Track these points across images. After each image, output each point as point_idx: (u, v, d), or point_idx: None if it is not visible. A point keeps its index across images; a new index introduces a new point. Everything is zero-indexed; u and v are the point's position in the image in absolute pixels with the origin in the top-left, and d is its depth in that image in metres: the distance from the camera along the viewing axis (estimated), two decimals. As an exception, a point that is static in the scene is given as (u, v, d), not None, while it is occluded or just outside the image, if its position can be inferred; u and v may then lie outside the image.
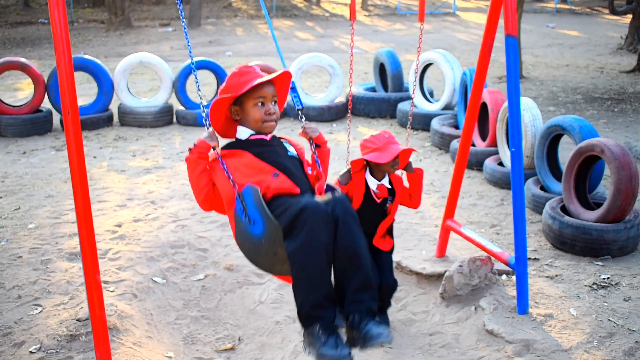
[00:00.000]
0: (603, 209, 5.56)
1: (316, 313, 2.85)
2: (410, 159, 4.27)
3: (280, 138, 3.38)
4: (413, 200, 4.35)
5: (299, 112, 3.59)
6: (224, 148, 3.24)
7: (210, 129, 3.18)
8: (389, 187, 4.25)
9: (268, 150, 3.20)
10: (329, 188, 3.36)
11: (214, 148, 3.13)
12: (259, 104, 3.19)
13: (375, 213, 4.19)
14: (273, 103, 3.25)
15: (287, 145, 3.34)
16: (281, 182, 3.10)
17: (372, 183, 4.20)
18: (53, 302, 4.70)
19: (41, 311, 4.57)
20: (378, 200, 4.20)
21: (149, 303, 4.88)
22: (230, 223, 3.13)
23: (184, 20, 3.43)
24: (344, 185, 4.12)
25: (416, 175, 4.28)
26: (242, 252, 3.14)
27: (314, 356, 2.85)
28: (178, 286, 5.19)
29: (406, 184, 4.40)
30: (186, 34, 3.32)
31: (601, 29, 25.67)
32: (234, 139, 3.30)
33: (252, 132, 3.24)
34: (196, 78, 3.37)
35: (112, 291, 4.90)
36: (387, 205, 4.25)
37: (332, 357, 2.75)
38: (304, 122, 3.47)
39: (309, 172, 3.35)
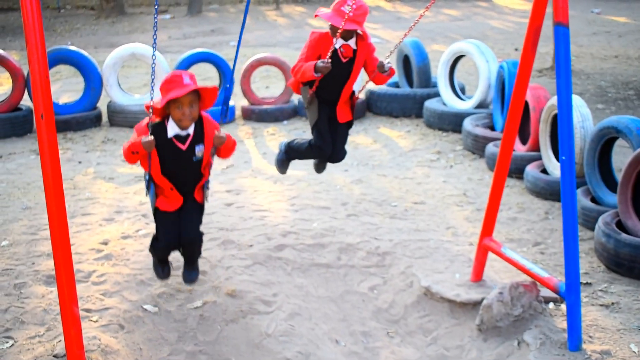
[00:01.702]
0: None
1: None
2: (387, 61, 4.80)
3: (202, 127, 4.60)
4: (377, 80, 4.94)
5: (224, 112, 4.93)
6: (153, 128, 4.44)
7: (151, 138, 4.34)
8: (354, 47, 4.85)
9: (172, 157, 4.53)
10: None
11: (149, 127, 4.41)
12: (178, 107, 4.43)
13: (340, 74, 4.85)
14: (191, 107, 4.43)
15: (197, 150, 4.58)
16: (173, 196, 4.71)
17: (338, 42, 4.76)
18: (27, 334, 4.57)
19: (13, 345, 4.44)
20: (343, 60, 4.84)
21: (138, 335, 4.73)
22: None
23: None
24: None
25: (384, 77, 4.91)
26: None
27: None
28: (172, 315, 5.04)
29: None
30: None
31: (654, 15, 25.42)
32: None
33: (176, 131, 4.49)
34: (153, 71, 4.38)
35: (95, 321, 4.75)
36: (352, 67, 4.88)
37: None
38: (218, 131, 4.60)
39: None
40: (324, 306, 5.32)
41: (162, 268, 5.12)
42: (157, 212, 4.74)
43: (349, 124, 5.21)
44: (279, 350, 4.71)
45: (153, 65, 4.33)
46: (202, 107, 4.54)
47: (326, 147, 5.08)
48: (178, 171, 4.60)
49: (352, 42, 4.87)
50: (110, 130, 10.68)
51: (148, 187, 4.67)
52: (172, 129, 4.48)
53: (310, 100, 5.00)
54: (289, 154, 5.38)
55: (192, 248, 4.91)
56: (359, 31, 4.85)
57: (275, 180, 8.14)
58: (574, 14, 25.61)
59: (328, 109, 5.04)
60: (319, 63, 4.64)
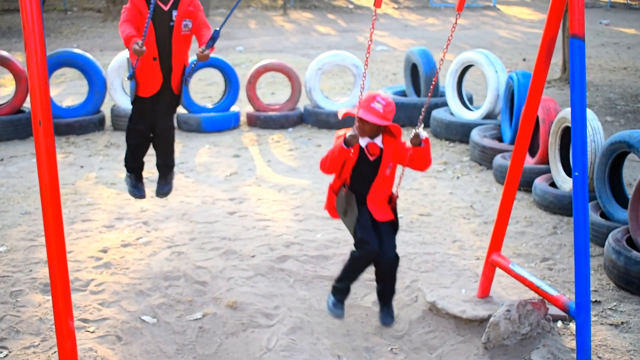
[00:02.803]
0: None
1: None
2: (420, 130, 4.61)
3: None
4: (416, 164, 4.74)
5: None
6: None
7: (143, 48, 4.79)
8: (381, 146, 4.67)
9: (159, 17, 5.10)
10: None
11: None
12: None
13: (368, 171, 4.67)
14: None
15: (174, 14, 5.09)
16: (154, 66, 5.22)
17: (362, 140, 4.63)
18: (22, 344, 4.51)
19: (7, 355, 4.37)
20: (371, 158, 4.65)
21: (136, 347, 4.64)
22: None
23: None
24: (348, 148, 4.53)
25: (417, 150, 4.66)
26: None
27: None
28: (171, 327, 4.94)
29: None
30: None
31: (663, 27, 25.32)
32: None
33: None
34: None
35: (92, 332, 4.67)
36: (379, 166, 4.69)
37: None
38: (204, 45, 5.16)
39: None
40: (327, 320, 5.21)
41: (134, 175, 5.78)
42: (136, 99, 5.28)
43: (393, 226, 4.85)
44: (280, 365, 4.60)
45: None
46: None
47: (371, 240, 4.62)
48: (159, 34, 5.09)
49: (378, 140, 4.68)
50: (114, 134, 10.58)
51: (130, 78, 5.19)
52: None
53: (347, 199, 4.69)
54: (337, 294, 4.90)
55: (166, 137, 5.56)
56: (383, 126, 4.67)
57: (279, 189, 8.04)
58: (583, 24, 25.53)
59: (366, 208, 4.73)
60: (348, 135, 4.45)
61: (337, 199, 4.79)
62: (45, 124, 3.24)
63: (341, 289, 4.88)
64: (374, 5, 4.40)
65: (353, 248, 4.71)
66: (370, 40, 4.40)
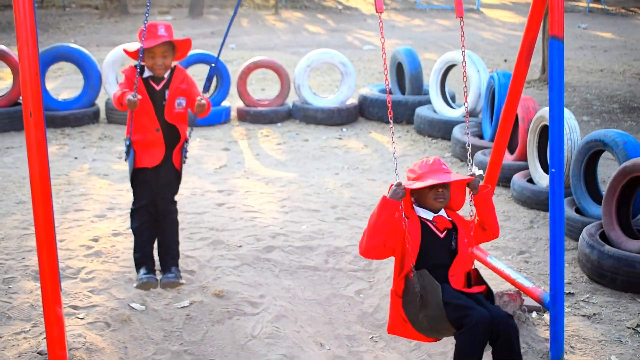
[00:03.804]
0: (650, 238, 5.28)
1: None
2: (474, 169, 3.81)
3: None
4: (488, 230, 3.81)
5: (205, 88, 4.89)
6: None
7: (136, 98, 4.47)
8: (449, 219, 3.75)
9: (154, 95, 4.77)
10: None
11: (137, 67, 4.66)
12: (150, 57, 4.68)
13: (442, 252, 3.67)
14: (163, 57, 4.69)
15: (166, 93, 4.80)
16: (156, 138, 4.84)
17: (427, 214, 3.72)
18: (13, 330, 4.43)
19: (-3, 340, 4.29)
20: (441, 235, 3.69)
21: (124, 334, 4.58)
22: None
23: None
24: (394, 204, 3.54)
25: (481, 196, 3.76)
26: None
27: None
28: (159, 314, 4.88)
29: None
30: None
31: (638, 32, 25.35)
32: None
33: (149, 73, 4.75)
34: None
35: (81, 318, 4.60)
36: (453, 241, 3.72)
37: None
38: (201, 96, 4.70)
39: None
40: (310, 309, 5.17)
41: (145, 267, 4.85)
42: (135, 173, 4.84)
43: (488, 296, 3.71)
44: (263, 352, 4.55)
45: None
46: (176, 58, 4.80)
47: (473, 305, 3.49)
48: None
49: (443, 214, 3.76)
50: (108, 127, 10.50)
51: (128, 152, 4.77)
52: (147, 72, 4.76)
53: (420, 279, 3.55)
54: None
55: (169, 220, 4.96)
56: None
57: (267, 181, 7.99)
58: (562, 28, 25.53)
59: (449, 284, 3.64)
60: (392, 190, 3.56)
61: (405, 295, 3.64)
62: (36, 115, 3.18)
63: None
64: (376, 11, 3.76)
65: (454, 333, 3.50)
66: (383, 47, 3.75)
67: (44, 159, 3.26)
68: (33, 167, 3.22)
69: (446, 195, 3.68)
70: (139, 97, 4.50)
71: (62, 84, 13.68)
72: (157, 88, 4.76)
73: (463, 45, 4.00)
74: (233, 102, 11.71)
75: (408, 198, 3.69)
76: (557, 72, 3.89)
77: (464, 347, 3.44)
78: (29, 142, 3.19)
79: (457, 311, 3.44)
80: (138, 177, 4.87)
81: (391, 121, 3.74)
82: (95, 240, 5.89)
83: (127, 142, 4.77)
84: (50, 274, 3.22)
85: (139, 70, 4.64)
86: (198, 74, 14.39)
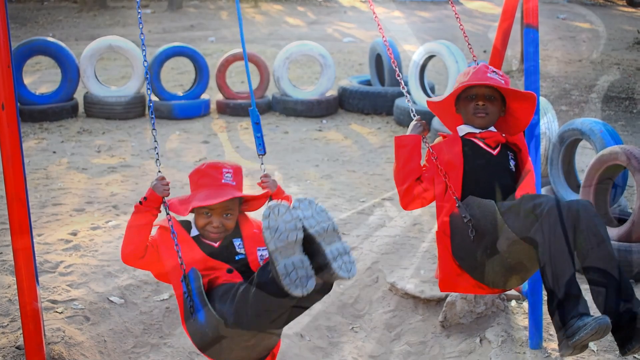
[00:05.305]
0: (627, 225, 5.32)
1: None
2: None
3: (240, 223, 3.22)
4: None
5: (260, 157, 3.37)
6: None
7: (160, 174, 3.04)
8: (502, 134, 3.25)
9: (216, 253, 3.06)
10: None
11: (164, 202, 3.00)
12: (205, 213, 3.06)
13: (496, 171, 3.13)
14: (224, 216, 3.10)
15: (237, 244, 3.15)
16: (233, 276, 2.97)
17: (472, 129, 3.23)
18: (-10, 325, 4.36)
19: (-25, 335, 4.23)
20: (494, 152, 3.17)
21: (103, 327, 4.55)
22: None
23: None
24: (414, 138, 3.18)
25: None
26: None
27: None
28: (138, 307, 4.86)
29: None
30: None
31: (616, 22, 25.48)
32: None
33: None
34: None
35: (60, 313, 4.55)
36: (511, 162, 3.22)
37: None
38: (263, 173, 3.29)
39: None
40: (291, 300, 5.16)
41: None
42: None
43: None
44: (243, 344, 4.54)
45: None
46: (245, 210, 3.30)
47: (542, 197, 2.90)
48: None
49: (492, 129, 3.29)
50: (86, 121, 10.41)
51: (192, 304, 2.91)
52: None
53: (472, 216, 3.00)
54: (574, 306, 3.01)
55: None
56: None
57: (247, 174, 7.92)
58: (541, 19, 25.51)
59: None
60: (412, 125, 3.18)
61: (453, 235, 3.07)
62: (8, 108, 3.14)
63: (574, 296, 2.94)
64: (370, 7, 3.43)
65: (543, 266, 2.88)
66: (385, 39, 3.45)
67: (17, 153, 3.22)
68: (7, 162, 3.18)
69: (489, 110, 3.19)
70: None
71: (40, 78, 13.55)
72: (215, 245, 3.12)
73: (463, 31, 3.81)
74: (212, 94, 11.64)
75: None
76: (533, 61, 3.90)
77: (549, 237, 2.79)
78: (2, 135, 3.14)
79: (521, 212, 2.85)
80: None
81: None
82: (74, 234, 5.83)
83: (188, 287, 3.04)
84: (26, 269, 3.20)
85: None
86: (177, 67, 14.33)
